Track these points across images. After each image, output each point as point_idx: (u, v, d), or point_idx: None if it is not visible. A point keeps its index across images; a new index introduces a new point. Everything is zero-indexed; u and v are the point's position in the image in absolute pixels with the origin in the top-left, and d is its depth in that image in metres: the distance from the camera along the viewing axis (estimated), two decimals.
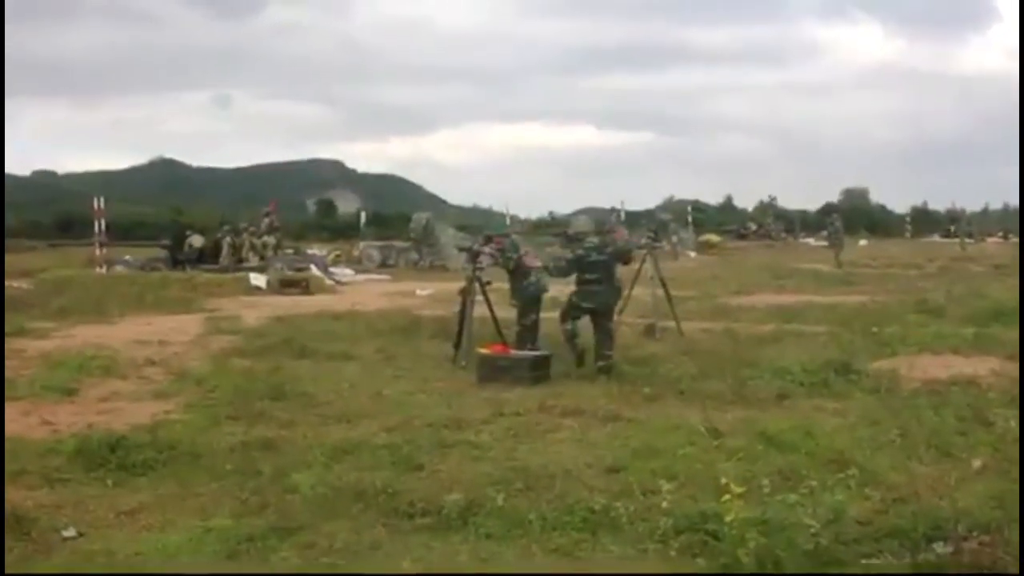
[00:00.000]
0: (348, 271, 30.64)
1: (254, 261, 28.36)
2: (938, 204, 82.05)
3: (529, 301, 13.39)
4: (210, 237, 29.99)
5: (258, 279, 25.35)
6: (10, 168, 39.04)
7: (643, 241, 17.64)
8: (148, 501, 6.99)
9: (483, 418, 9.35)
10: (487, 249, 13.60)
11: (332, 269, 29.96)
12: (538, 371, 11.60)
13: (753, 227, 59.50)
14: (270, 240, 29.66)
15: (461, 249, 13.83)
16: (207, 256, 28.95)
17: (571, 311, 12.44)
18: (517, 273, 13.49)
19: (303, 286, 25.03)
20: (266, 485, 7.22)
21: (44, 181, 37.26)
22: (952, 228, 55.98)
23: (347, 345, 14.19)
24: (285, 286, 24.95)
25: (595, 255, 12.51)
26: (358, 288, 26.22)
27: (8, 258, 23.20)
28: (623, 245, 13.61)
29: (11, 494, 7.00)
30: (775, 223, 60.64)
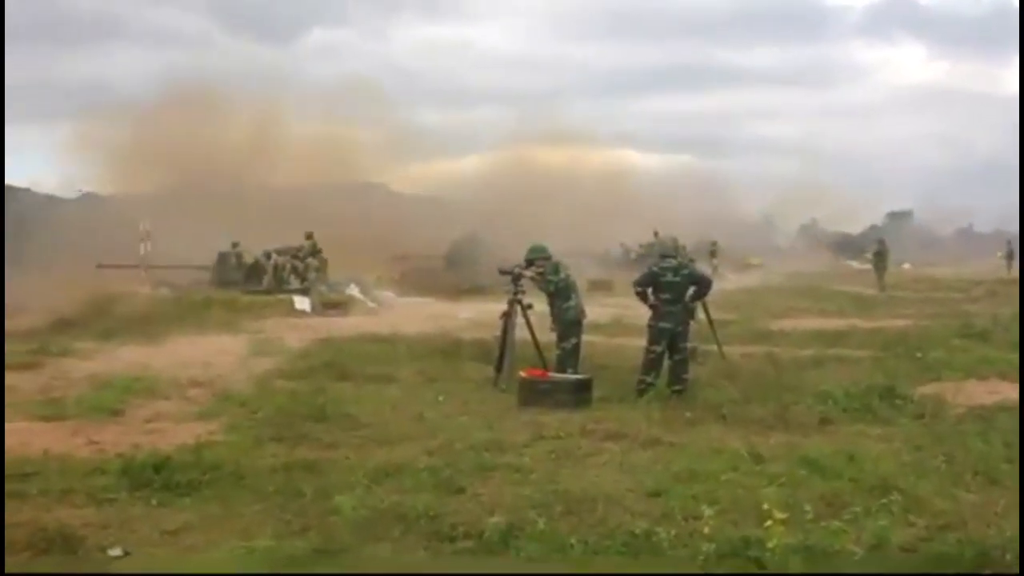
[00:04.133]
0: (390, 293, 30.76)
1: (296, 284, 28.52)
2: (984, 226, 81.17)
3: (569, 324, 13.40)
4: (253, 259, 30.16)
5: (302, 302, 25.52)
6: (56, 191, 39.60)
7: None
8: (192, 521, 7.06)
9: (524, 441, 9.36)
10: (528, 272, 13.62)
11: (375, 291, 30.08)
12: (579, 395, 11.59)
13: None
14: (313, 262, 29.81)
15: (503, 272, 13.82)
16: (251, 278, 29.13)
17: (656, 335, 12.32)
18: (557, 296, 13.50)
19: (342, 308, 25.20)
20: (308, 507, 7.28)
21: (90, 203, 37.81)
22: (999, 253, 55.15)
23: (389, 368, 14.24)
24: (327, 308, 25.12)
25: (671, 276, 12.42)
26: (400, 310, 26.32)
27: (53, 280, 23.47)
28: (700, 272, 13.47)
29: (58, 512, 7.12)
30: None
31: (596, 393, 11.86)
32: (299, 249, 30.01)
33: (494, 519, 6.69)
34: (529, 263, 13.73)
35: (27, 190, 37.35)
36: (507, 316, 13.32)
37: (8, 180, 27.98)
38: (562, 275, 13.64)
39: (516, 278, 13.52)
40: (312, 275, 29.32)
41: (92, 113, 39.12)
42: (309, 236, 30.23)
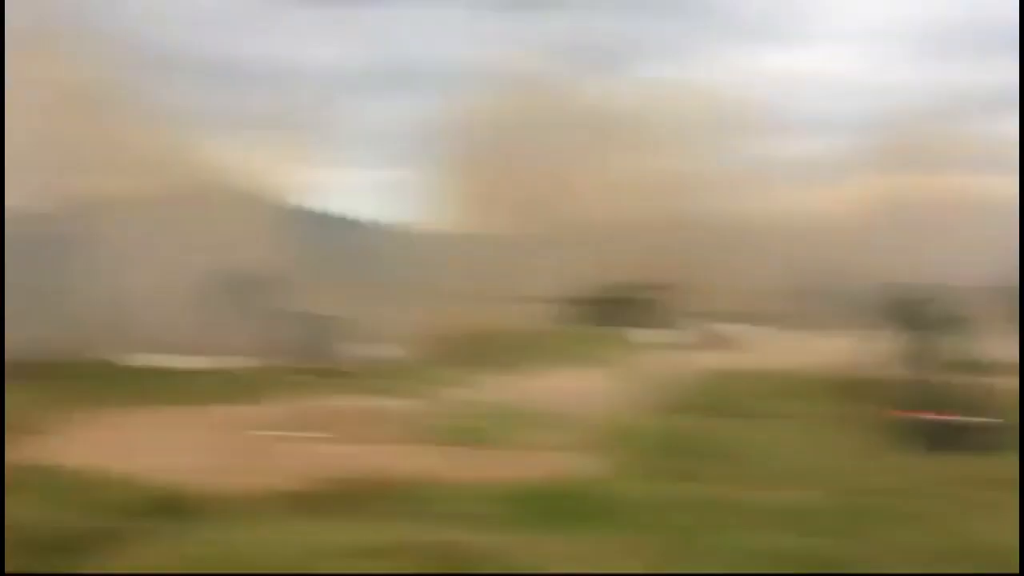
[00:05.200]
0: (761, 329, 30.07)
1: (663, 319, 28.61)
2: None
3: (964, 364, 12.53)
4: (619, 293, 30.64)
5: (675, 337, 25.58)
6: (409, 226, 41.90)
7: None
8: (569, 551, 6.99)
9: (924, 486, 8.76)
10: (914, 310, 13.00)
11: (744, 327, 29.59)
12: (987, 437, 10.87)
13: None
14: (673, 297, 29.89)
15: (889, 309, 13.25)
16: (619, 313, 29.56)
17: None
18: (946, 333, 12.72)
19: (720, 344, 24.98)
20: (678, 543, 7.10)
21: (440, 239, 39.33)
22: None
23: (771, 404, 13.73)
24: (704, 344, 25.01)
25: None
26: (762, 344, 25.60)
27: (428, 312, 24.51)
28: None
29: (449, 534, 7.25)
30: None
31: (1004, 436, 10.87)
32: (658, 284, 30.17)
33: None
34: (911, 299, 13.08)
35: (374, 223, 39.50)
36: (900, 354, 12.80)
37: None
38: (948, 311, 12.85)
39: (901, 314, 12.89)
40: (677, 310, 29.32)
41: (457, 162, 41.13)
42: (667, 270, 30.26)
